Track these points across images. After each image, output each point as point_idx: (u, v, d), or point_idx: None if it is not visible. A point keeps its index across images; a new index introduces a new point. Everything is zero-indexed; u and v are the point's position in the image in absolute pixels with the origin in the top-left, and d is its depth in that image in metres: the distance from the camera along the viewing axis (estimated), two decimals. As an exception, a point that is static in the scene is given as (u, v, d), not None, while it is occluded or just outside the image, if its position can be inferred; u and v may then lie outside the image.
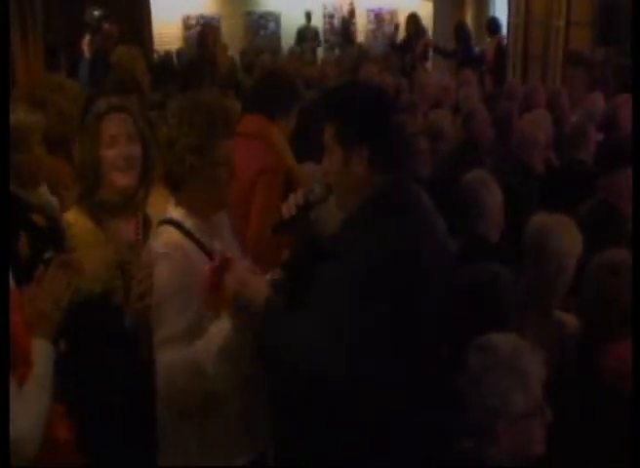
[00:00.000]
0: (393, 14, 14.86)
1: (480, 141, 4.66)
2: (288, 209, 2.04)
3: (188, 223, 2.12)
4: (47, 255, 2.29)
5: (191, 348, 1.96)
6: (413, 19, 10.01)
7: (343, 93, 2.07)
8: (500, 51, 7.99)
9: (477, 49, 10.47)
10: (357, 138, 1.88)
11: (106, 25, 9.22)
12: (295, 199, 2.04)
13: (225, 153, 2.11)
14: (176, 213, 2.15)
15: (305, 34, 13.58)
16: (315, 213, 2.09)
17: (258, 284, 1.90)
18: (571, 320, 2.62)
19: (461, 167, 3.51)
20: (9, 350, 1.73)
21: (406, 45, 9.81)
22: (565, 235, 2.63)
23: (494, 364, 1.82)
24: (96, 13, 10.90)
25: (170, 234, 2.12)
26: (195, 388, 1.97)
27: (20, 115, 2.44)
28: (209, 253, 2.08)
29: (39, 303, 1.90)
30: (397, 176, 1.93)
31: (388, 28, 14.81)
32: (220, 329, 1.92)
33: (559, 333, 2.56)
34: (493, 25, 9.10)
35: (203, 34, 7.62)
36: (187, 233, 2.11)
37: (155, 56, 10.89)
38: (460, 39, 9.49)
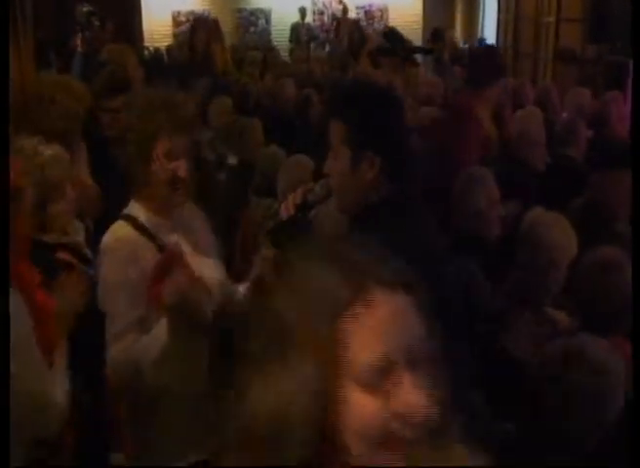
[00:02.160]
0: (383, 11, 14.84)
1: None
2: (287, 209, 1.96)
3: (143, 218, 2.14)
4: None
5: (136, 345, 2.02)
6: (355, 26, 10.47)
7: (357, 94, 1.95)
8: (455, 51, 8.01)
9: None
10: (370, 144, 1.79)
11: (97, 22, 9.18)
12: (294, 199, 1.97)
13: (175, 149, 2.10)
14: (132, 207, 2.17)
15: (299, 31, 13.56)
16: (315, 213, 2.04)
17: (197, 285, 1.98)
18: (562, 317, 2.64)
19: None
20: (8, 349, 1.77)
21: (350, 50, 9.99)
22: (557, 230, 2.65)
23: None
24: (85, 9, 10.85)
25: (120, 229, 2.14)
26: (135, 384, 2.05)
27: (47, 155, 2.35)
28: (162, 249, 2.10)
29: (58, 307, 2.05)
30: (404, 186, 1.85)
31: (378, 25, 14.81)
32: (161, 329, 1.98)
33: (551, 330, 2.57)
34: (436, 35, 9.23)
35: (193, 31, 7.02)
36: (141, 228, 2.12)
37: (146, 53, 10.85)
38: (391, 42, 9.73)
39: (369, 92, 1.95)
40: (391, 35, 9.99)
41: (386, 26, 11.68)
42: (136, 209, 2.16)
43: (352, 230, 1.87)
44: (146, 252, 2.09)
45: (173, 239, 2.09)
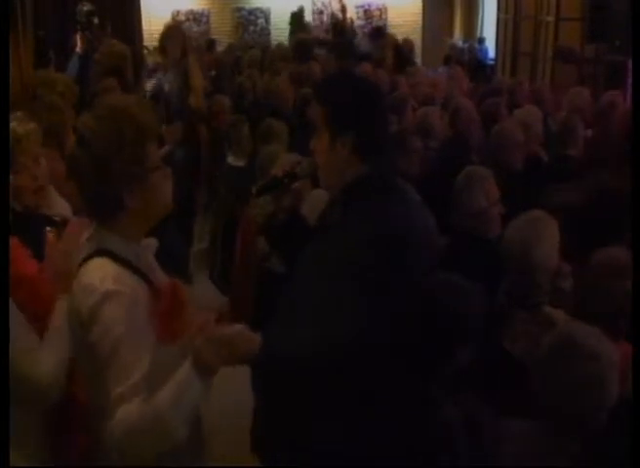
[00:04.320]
0: (382, 10, 14.84)
1: (468, 138, 4.65)
2: (276, 170, 2.20)
3: (124, 252, 1.83)
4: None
5: (153, 402, 1.67)
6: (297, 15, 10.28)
7: (337, 80, 2.23)
8: (399, 50, 7.84)
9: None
10: (344, 124, 1.97)
11: (96, 21, 9.19)
12: (283, 164, 2.21)
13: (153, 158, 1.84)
14: (105, 240, 1.84)
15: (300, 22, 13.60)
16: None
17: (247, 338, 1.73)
18: (560, 315, 2.64)
19: (450, 164, 3.51)
20: (8, 348, 1.82)
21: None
22: (543, 241, 2.59)
23: None
24: (85, 8, 10.85)
25: (109, 268, 1.79)
26: (159, 445, 1.70)
27: (12, 125, 2.45)
28: (149, 282, 1.85)
29: (56, 262, 2.03)
30: (379, 162, 2.01)
31: (377, 25, 14.81)
32: (188, 384, 1.67)
33: (548, 329, 2.57)
34: (376, 32, 9.24)
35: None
36: (124, 263, 1.81)
37: (145, 52, 10.85)
38: (335, 35, 9.86)
39: (344, 79, 2.22)
40: (336, 28, 10.10)
41: (336, 19, 11.92)
42: (111, 241, 1.84)
43: (331, 207, 2.06)
44: (138, 289, 1.80)
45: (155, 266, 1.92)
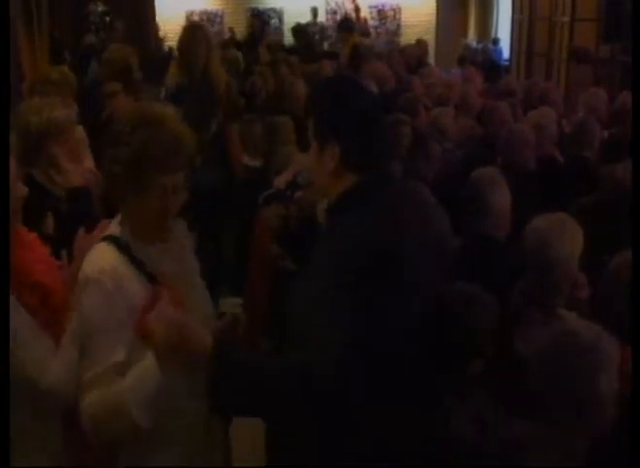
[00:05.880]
0: (396, 10, 14.84)
1: (497, 140, 4.57)
2: (279, 182, 2.24)
3: (129, 241, 1.89)
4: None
5: (116, 387, 1.76)
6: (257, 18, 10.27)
7: (323, 89, 2.06)
8: (356, 50, 7.77)
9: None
10: (329, 135, 1.84)
11: (108, 20, 9.27)
12: (286, 176, 2.22)
13: (162, 187, 1.86)
14: (117, 228, 1.93)
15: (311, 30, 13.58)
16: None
17: (195, 333, 1.68)
18: (573, 318, 2.63)
19: (476, 165, 3.45)
20: (8, 350, 1.81)
21: (249, 43, 10.34)
22: (565, 242, 2.59)
23: None
24: (99, 9, 10.93)
25: (104, 255, 1.88)
26: (120, 428, 1.77)
27: (57, 110, 2.55)
28: (152, 278, 1.88)
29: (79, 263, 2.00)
30: (369, 174, 1.86)
31: (391, 25, 14.81)
32: (147, 370, 1.73)
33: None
34: (344, 24, 9.16)
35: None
36: (127, 253, 1.87)
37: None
38: (299, 40, 9.88)
39: (329, 87, 2.03)
40: (299, 32, 10.07)
41: (297, 24, 11.70)
42: (120, 230, 1.92)
43: (327, 219, 1.95)
44: (133, 283, 1.85)
45: (167, 268, 1.91)
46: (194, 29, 5.29)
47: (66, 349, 1.94)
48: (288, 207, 2.22)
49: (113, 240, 1.89)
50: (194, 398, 1.79)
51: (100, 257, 1.87)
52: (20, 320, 1.87)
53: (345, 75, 4.71)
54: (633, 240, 2.34)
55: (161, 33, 13.12)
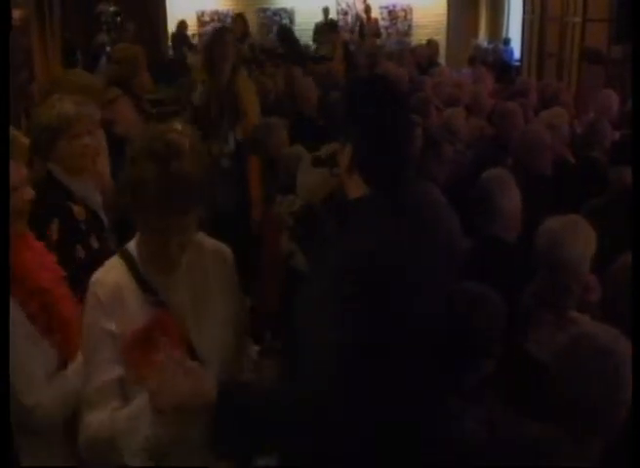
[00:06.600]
0: (407, 11, 14.82)
1: (508, 141, 4.50)
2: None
3: (139, 265, 1.81)
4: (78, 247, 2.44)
5: (113, 417, 1.70)
6: (240, 21, 10.15)
7: (347, 88, 2.01)
8: (347, 49, 7.67)
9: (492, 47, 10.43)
10: (343, 135, 1.80)
11: (119, 20, 9.32)
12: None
13: (165, 228, 1.73)
14: (134, 243, 1.86)
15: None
16: None
17: (196, 386, 1.58)
18: (585, 320, 2.62)
19: (487, 167, 3.44)
20: (8, 350, 1.80)
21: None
22: (577, 243, 2.58)
23: None
24: (111, 9, 10.98)
25: (113, 270, 1.82)
26: (112, 458, 1.69)
27: (67, 105, 2.56)
28: (158, 304, 1.79)
29: None
30: (378, 190, 1.78)
31: (402, 25, 14.78)
32: (141, 413, 1.62)
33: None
34: (328, 25, 9.06)
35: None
36: (135, 270, 1.80)
37: (170, 52, 10.95)
38: (283, 40, 9.83)
39: (351, 88, 1.96)
40: (283, 32, 9.93)
41: (281, 24, 11.64)
42: (134, 247, 1.85)
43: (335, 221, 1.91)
44: (135, 303, 1.78)
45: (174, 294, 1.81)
46: (222, 32, 5.10)
47: (65, 378, 1.97)
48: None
49: (126, 256, 1.83)
50: (188, 443, 1.71)
51: (107, 270, 1.83)
52: (14, 330, 1.83)
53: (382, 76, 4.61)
54: (633, 240, 2.33)
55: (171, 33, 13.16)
